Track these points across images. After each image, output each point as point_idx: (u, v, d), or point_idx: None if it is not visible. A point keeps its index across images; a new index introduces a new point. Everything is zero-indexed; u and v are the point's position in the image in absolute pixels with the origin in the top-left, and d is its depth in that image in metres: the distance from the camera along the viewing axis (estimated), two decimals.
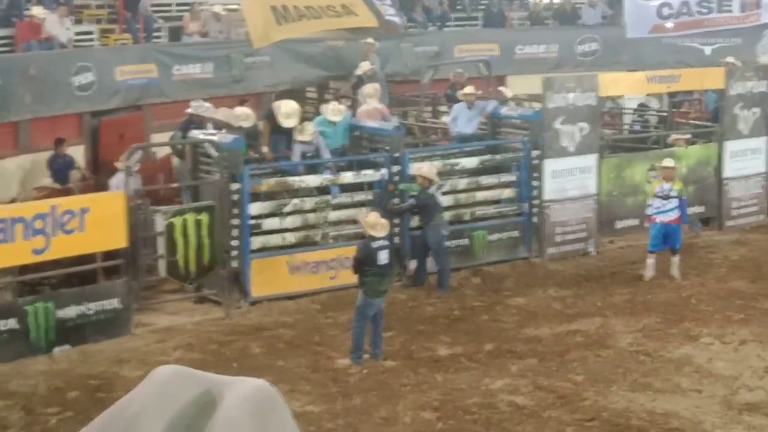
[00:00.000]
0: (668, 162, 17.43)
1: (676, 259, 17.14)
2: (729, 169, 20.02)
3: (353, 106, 19.53)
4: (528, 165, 18.11)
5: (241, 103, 19.66)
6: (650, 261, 17.09)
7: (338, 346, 14.19)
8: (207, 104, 18.14)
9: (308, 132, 17.02)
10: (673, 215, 17.07)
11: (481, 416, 12.12)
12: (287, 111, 17.41)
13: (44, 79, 20.02)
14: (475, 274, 17.36)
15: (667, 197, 17.05)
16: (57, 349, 14.09)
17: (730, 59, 22.85)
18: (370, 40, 22.78)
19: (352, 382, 13.08)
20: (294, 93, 23.81)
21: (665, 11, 26.32)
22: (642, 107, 23.71)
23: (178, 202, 16.94)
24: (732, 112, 19.95)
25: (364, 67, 22.49)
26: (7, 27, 21.32)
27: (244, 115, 17.56)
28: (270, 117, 17.56)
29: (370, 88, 19.75)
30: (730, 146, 19.98)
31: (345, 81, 23.55)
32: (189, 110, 18.00)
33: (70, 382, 13.07)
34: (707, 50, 26.93)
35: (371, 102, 19.06)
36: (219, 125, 17.08)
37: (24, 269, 14.34)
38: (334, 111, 17.83)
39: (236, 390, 8.19)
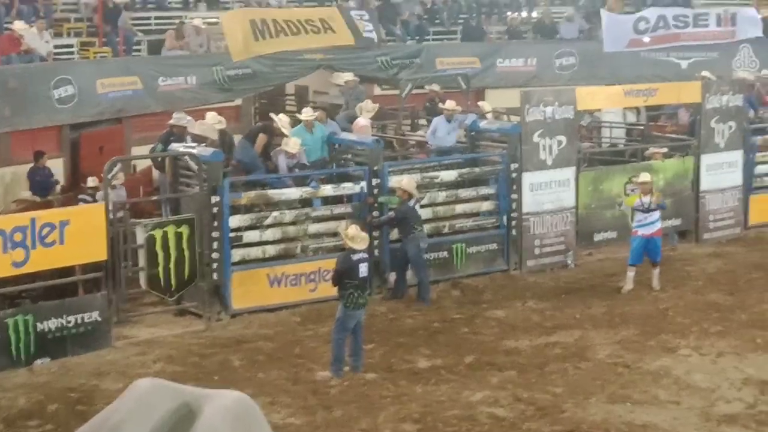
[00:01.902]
0: (645, 177, 17.53)
1: (656, 271, 17.28)
2: (706, 182, 20.17)
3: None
4: (506, 178, 18.22)
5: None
6: (630, 274, 17.22)
7: (318, 358, 14.21)
8: (188, 117, 18.16)
9: (294, 144, 17.07)
10: (655, 228, 17.20)
11: (461, 428, 12.16)
12: (288, 121, 17.56)
13: (24, 92, 20.01)
14: (454, 286, 17.42)
15: (647, 210, 17.18)
16: (37, 362, 14.07)
17: (705, 73, 23.04)
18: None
19: (332, 394, 13.11)
20: (273, 103, 23.94)
21: (642, 25, 26.51)
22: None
23: (158, 214, 16.97)
24: (708, 126, 20.10)
25: (345, 77, 22.54)
26: None
27: (216, 120, 17.61)
28: (267, 130, 17.56)
29: (369, 104, 19.94)
30: (707, 159, 20.14)
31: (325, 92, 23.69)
32: (171, 122, 18.02)
33: (51, 395, 13.04)
34: (684, 64, 27.14)
35: (366, 116, 19.26)
36: (198, 139, 17.11)
37: (4, 282, 14.29)
38: (307, 113, 17.91)
39: (216, 401, 8.25)
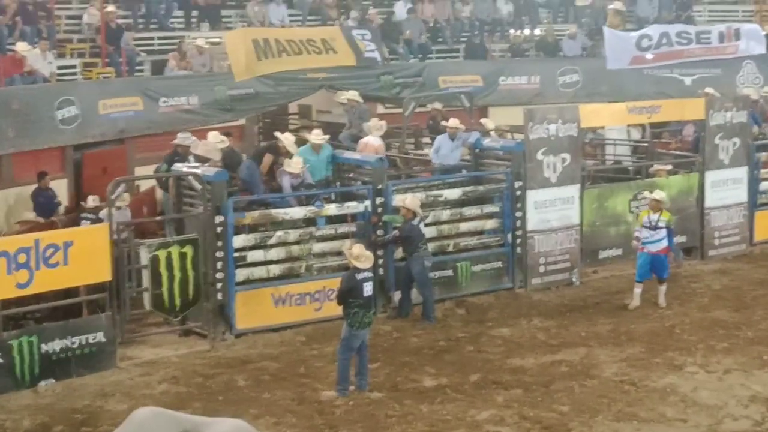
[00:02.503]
0: (658, 194, 17.50)
1: (663, 288, 17.28)
2: (710, 199, 20.15)
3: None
4: (511, 196, 18.20)
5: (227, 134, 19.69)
6: (637, 290, 17.20)
7: (324, 378, 14.18)
8: (193, 137, 18.18)
9: (297, 164, 17.06)
10: (661, 245, 17.19)
11: None
12: (293, 140, 17.58)
13: (27, 113, 20.04)
14: (459, 305, 17.40)
15: (655, 228, 17.16)
16: (42, 384, 14.04)
17: (708, 90, 23.05)
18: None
19: (338, 414, 13.07)
20: (277, 123, 23.95)
21: (645, 43, 26.53)
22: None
23: (162, 234, 16.95)
24: (712, 143, 20.09)
25: (348, 96, 22.56)
26: None
27: (218, 139, 17.62)
28: (272, 150, 17.56)
29: (376, 122, 19.97)
30: (711, 176, 20.13)
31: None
32: (175, 141, 18.04)
33: (55, 417, 13.02)
34: (687, 81, 27.14)
35: (376, 135, 19.29)
36: (201, 159, 17.12)
37: (8, 303, 14.27)
38: (316, 136, 17.91)
39: (214, 429, 8.24)
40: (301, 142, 18.11)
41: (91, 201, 17.22)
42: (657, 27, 27.49)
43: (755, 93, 23.08)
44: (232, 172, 16.75)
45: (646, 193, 18.07)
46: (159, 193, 18.86)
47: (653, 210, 17.31)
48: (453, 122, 19.52)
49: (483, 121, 21.65)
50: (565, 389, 13.78)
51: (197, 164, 16.66)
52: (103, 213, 16.32)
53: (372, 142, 19.41)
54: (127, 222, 16.10)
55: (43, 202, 19.15)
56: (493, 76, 26.58)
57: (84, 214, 17.23)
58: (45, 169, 19.71)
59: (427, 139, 22.60)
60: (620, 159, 22.98)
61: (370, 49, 24.53)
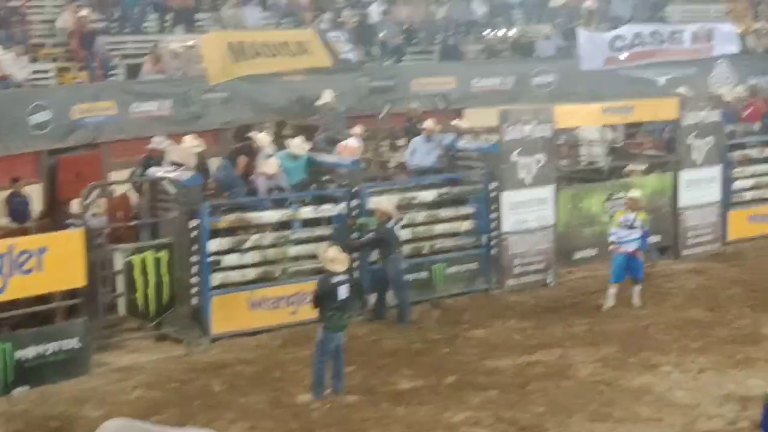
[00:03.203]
0: (634, 193, 17.57)
1: (637, 288, 17.33)
2: (684, 198, 20.25)
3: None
4: (486, 197, 18.24)
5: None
6: (612, 291, 17.24)
7: (299, 381, 14.17)
8: (168, 141, 18.14)
9: (272, 165, 17.06)
10: (635, 245, 17.23)
11: None
12: (268, 140, 17.57)
13: (0, 118, 19.92)
14: (434, 306, 17.43)
15: (631, 227, 17.22)
16: (16, 391, 13.97)
17: (681, 90, 23.16)
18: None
19: (314, 417, 13.08)
20: (252, 125, 23.84)
21: (618, 43, 26.59)
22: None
23: (136, 239, 16.88)
24: (686, 142, 20.18)
25: (325, 97, 22.57)
26: None
27: (194, 143, 17.60)
28: (246, 150, 17.53)
29: (357, 128, 19.98)
30: (685, 175, 20.22)
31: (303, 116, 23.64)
32: (150, 146, 17.98)
33: (30, 423, 12.98)
34: (661, 81, 27.24)
35: (355, 139, 19.31)
36: (176, 163, 17.08)
37: None
38: (298, 146, 17.91)
39: None
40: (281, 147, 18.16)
41: (76, 206, 17.13)
42: (630, 27, 27.57)
43: (728, 95, 23.14)
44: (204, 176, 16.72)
45: (614, 195, 18.01)
46: (134, 198, 18.77)
47: (630, 209, 17.35)
48: (428, 124, 19.54)
49: (455, 122, 21.66)
50: (541, 390, 13.82)
51: (172, 168, 16.62)
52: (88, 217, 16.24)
53: (351, 143, 19.39)
54: (101, 227, 16.05)
55: (17, 208, 19.04)
56: (467, 78, 26.58)
57: (70, 220, 17.09)
58: (19, 174, 19.59)
59: (402, 141, 22.58)
60: (594, 160, 23.01)
61: (346, 51, 24.57)
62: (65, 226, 16.46)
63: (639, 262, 17.35)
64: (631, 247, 17.25)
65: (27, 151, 20.58)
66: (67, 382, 14.32)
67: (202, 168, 17.57)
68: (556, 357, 15.07)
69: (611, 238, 17.46)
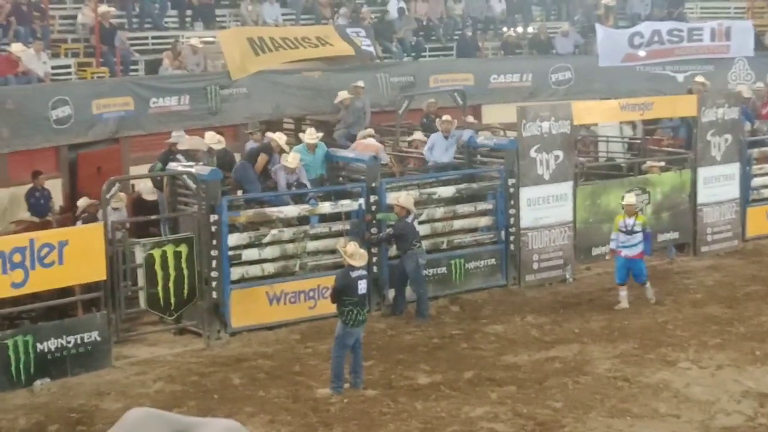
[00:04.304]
0: (629, 199, 17.42)
1: (647, 287, 17.29)
2: (703, 196, 20.21)
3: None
4: (504, 193, 18.26)
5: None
6: (623, 293, 17.15)
7: (318, 375, 14.23)
8: (187, 135, 18.22)
9: (293, 159, 17.14)
10: (638, 250, 17.09)
11: None
12: (285, 140, 17.64)
13: (22, 113, 20.06)
14: (453, 302, 17.46)
15: (631, 232, 17.06)
16: (37, 383, 14.08)
17: (699, 79, 23.16)
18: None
19: (332, 411, 13.12)
20: (271, 124, 23.93)
21: (636, 40, 26.67)
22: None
23: (156, 234, 16.99)
24: (705, 139, 20.16)
25: (341, 96, 22.66)
26: None
27: (215, 140, 17.68)
28: (266, 149, 17.61)
29: (366, 131, 20.11)
30: (704, 173, 20.19)
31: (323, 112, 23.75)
32: (170, 140, 18.08)
33: (51, 416, 13.06)
34: (680, 77, 27.20)
35: (374, 140, 19.40)
36: (190, 155, 17.18)
37: (3, 303, 14.32)
38: (310, 135, 17.98)
39: (207, 430, 8.28)
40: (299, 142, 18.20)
41: (81, 203, 17.23)
42: (649, 24, 27.62)
43: (747, 91, 23.13)
44: (225, 171, 16.79)
45: (625, 197, 17.82)
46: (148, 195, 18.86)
47: (628, 214, 17.18)
48: (445, 117, 19.58)
49: (469, 118, 21.76)
50: (559, 386, 13.84)
51: (191, 163, 16.70)
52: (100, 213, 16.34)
53: (373, 142, 19.51)
54: (121, 221, 16.15)
55: (38, 202, 19.17)
56: (486, 74, 26.61)
57: (85, 215, 17.19)
58: (40, 168, 19.72)
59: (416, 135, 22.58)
60: (613, 156, 23.03)
61: (367, 45, 24.64)
62: (86, 221, 16.61)
63: (641, 266, 17.15)
64: (631, 253, 17.06)
65: (48, 146, 20.70)
66: (87, 374, 14.42)
67: (228, 163, 17.64)
68: (574, 353, 15.09)
69: (611, 245, 17.42)
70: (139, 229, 16.94)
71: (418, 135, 20.63)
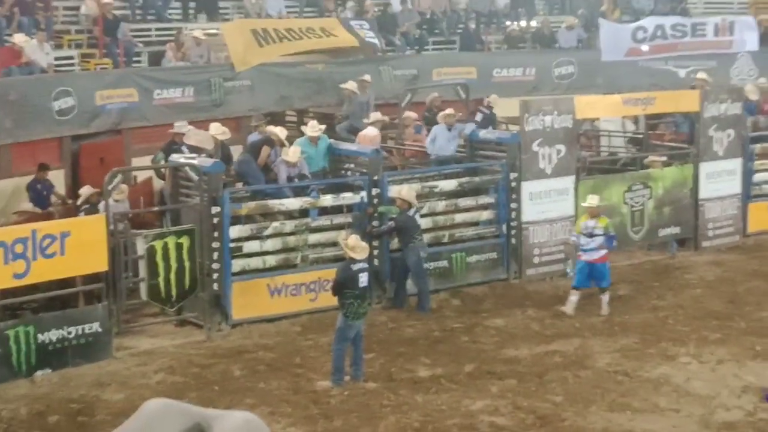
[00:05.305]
0: (591, 201, 17.01)
1: (605, 297, 16.74)
2: (705, 191, 20.22)
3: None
4: (506, 187, 18.27)
5: None
6: (573, 298, 16.70)
7: (319, 368, 14.25)
8: (189, 126, 18.23)
9: (294, 153, 17.14)
10: (599, 254, 16.67)
11: None
12: (285, 135, 17.64)
13: (24, 104, 20.03)
14: (454, 295, 17.48)
15: (591, 235, 16.66)
16: (38, 373, 14.11)
17: (701, 75, 23.11)
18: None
19: (332, 403, 13.15)
20: (274, 117, 23.91)
21: (640, 35, 26.63)
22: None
23: (158, 225, 17.01)
24: (707, 134, 20.15)
25: (350, 85, 22.61)
26: None
27: (220, 131, 17.68)
28: (269, 142, 17.62)
29: (374, 116, 20.02)
30: (706, 168, 20.19)
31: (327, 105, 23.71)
32: (173, 130, 18.07)
33: (51, 406, 13.09)
34: (682, 73, 27.17)
35: (373, 128, 19.30)
36: (195, 149, 17.18)
37: (5, 293, 14.33)
38: (312, 127, 17.97)
39: (226, 422, 8.28)
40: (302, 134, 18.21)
41: (84, 191, 17.21)
42: (652, 19, 27.58)
43: (754, 92, 22.83)
44: (225, 164, 16.80)
45: (588, 199, 17.36)
46: (157, 184, 18.88)
47: (591, 216, 16.77)
48: (449, 110, 19.58)
49: (493, 97, 21.77)
50: (559, 379, 13.87)
51: (194, 155, 16.71)
52: (102, 205, 16.33)
53: (368, 132, 19.44)
54: (123, 212, 16.16)
55: (39, 193, 19.16)
56: (488, 68, 26.59)
57: (86, 206, 17.18)
58: (43, 159, 19.67)
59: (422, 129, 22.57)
60: (615, 150, 23.02)
61: (371, 37, 24.62)
62: (88, 212, 16.61)
63: (603, 270, 16.72)
64: (590, 257, 16.66)
65: (50, 137, 20.69)
66: (88, 365, 14.45)
67: (226, 156, 17.65)
68: (575, 347, 15.11)
69: (571, 239, 17.28)
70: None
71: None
